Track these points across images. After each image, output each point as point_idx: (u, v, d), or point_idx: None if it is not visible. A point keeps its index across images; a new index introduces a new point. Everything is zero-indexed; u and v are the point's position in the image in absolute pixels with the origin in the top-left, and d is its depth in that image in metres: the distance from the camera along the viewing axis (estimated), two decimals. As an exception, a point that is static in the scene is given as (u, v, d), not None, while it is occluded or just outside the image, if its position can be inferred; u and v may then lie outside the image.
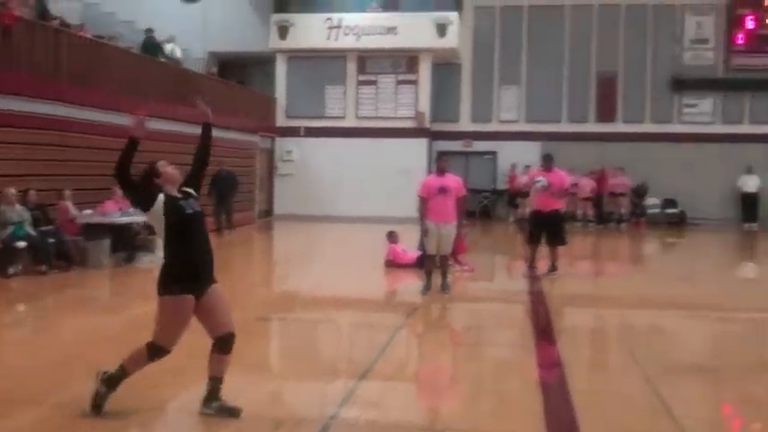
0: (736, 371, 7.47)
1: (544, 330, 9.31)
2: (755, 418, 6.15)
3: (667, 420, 5.76)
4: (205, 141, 5.80)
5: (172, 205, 5.37)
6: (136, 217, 14.06)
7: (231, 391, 5.60)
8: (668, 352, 8.37)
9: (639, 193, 25.46)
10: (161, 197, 5.37)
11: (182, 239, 5.37)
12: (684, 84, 26.04)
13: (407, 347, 8.76)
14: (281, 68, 26.18)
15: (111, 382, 5.44)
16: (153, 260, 14.07)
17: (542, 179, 13.11)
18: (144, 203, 5.45)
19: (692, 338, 9.31)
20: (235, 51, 25.58)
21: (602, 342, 9.24)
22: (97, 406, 5.42)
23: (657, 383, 6.71)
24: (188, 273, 5.36)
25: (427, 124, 25.72)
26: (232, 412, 5.47)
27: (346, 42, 25.48)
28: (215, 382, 5.52)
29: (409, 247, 13.85)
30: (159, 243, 14.33)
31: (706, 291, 12.57)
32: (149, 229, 14.69)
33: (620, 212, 25.26)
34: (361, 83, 25.94)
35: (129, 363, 5.47)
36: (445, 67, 26.27)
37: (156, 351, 5.41)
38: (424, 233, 11.18)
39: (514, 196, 24.69)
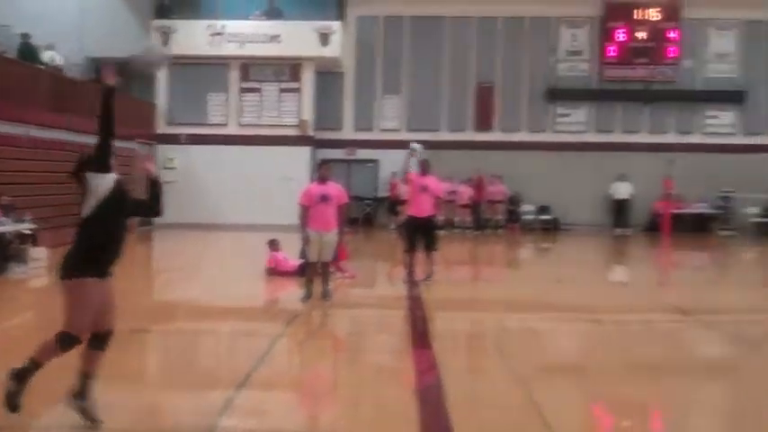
0: (607, 372, 7.82)
1: (422, 335, 9.51)
2: (625, 417, 6.46)
3: (539, 423, 5.98)
4: (151, 199, 6.06)
5: (120, 187, 5.44)
6: (8, 227, 13.68)
7: (107, 404, 5.54)
8: (541, 354, 8.69)
9: (514, 200, 26.18)
10: (112, 175, 5.43)
11: (110, 222, 5.36)
12: (559, 94, 26.91)
13: (287, 355, 8.79)
14: (162, 75, 25.76)
15: (21, 376, 5.27)
16: (26, 271, 13.70)
17: (418, 146, 13.54)
18: (106, 165, 5.45)
19: (564, 340, 9.67)
20: (114, 57, 24.89)
21: (478, 346, 9.50)
22: (13, 406, 5.26)
23: (531, 386, 6.98)
24: (101, 257, 5.34)
25: (310, 132, 25.77)
26: (92, 420, 5.33)
27: (229, 50, 25.23)
28: (85, 379, 5.39)
29: (291, 255, 13.87)
30: (31, 253, 14.00)
31: (577, 294, 13.03)
32: (21, 238, 14.29)
33: (497, 219, 25.91)
34: (244, 90, 25.79)
35: (40, 354, 5.31)
36: (328, 75, 26.40)
37: (66, 340, 5.27)
38: (306, 241, 11.25)
39: (395, 204, 24.96)
